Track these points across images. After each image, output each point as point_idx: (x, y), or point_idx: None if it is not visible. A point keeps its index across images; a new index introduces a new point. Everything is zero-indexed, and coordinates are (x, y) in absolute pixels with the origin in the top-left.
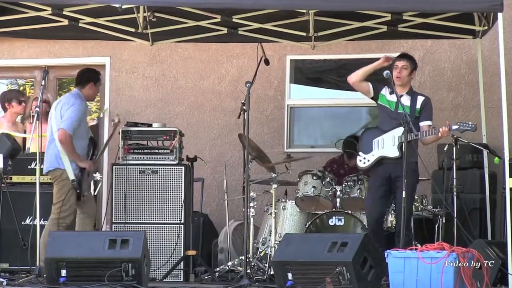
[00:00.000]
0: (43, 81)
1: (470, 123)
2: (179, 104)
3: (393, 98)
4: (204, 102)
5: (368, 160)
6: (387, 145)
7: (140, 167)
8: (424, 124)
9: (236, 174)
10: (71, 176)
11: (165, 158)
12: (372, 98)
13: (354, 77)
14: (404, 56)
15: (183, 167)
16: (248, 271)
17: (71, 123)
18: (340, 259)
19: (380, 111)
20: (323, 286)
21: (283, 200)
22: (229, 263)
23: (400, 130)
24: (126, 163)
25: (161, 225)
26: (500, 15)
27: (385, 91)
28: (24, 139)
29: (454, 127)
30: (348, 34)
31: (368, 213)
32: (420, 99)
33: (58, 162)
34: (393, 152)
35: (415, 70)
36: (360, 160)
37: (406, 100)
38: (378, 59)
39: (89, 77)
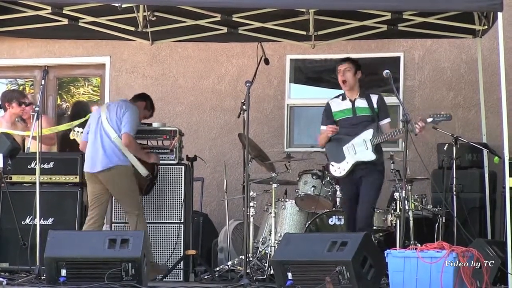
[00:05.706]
0: (43, 81)
1: (443, 113)
2: (179, 103)
3: (347, 104)
4: (204, 101)
5: (344, 169)
6: (360, 150)
7: None
8: (384, 122)
9: (236, 173)
10: (144, 172)
11: (165, 157)
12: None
13: (321, 143)
14: (344, 60)
15: (183, 167)
16: (248, 270)
17: (131, 126)
18: (340, 258)
19: (339, 124)
20: (323, 285)
21: (283, 199)
22: (229, 263)
23: (369, 133)
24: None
25: (161, 225)
26: (500, 14)
27: (335, 105)
28: (24, 139)
29: (429, 120)
30: (348, 33)
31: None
32: (374, 98)
33: (120, 159)
34: (369, 156)
35: (359, 70)
36: (335, 170)
37: (361, 103)
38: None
39: (145, 98)
